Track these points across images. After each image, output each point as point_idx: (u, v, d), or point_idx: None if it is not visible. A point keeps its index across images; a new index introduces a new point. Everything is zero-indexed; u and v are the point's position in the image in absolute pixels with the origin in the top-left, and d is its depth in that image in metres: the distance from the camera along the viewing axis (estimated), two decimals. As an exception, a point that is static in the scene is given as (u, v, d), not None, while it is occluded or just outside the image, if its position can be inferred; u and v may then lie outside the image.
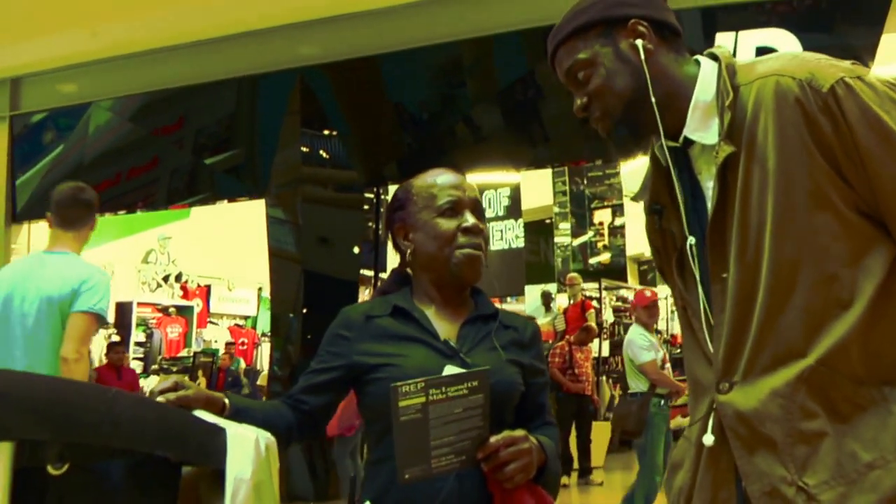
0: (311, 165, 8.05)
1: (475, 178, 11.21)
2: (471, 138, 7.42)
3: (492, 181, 12.15)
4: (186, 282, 16.50)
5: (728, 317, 1.80)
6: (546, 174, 13.34)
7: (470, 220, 2.26)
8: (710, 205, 1.84)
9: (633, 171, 13.36)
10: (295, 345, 7.76)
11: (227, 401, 2.07)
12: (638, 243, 14.29)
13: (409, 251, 2.32)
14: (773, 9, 6.33)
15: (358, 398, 2.28)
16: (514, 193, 13.10)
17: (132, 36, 8.19)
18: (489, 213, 12.15)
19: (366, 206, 8.46)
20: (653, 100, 1.86)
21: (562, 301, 13.58)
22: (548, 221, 14.50)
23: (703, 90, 1.88)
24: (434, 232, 2.26)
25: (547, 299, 13.69)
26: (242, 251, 12.75)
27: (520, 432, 2.03)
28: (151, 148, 8.81)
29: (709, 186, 1.86)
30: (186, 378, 2.19)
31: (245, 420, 2.02)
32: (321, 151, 8.09)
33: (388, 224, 2.40)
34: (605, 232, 14.19)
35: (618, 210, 14.05)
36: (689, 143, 1.90)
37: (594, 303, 13.32)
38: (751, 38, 6.30)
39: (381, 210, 8.40)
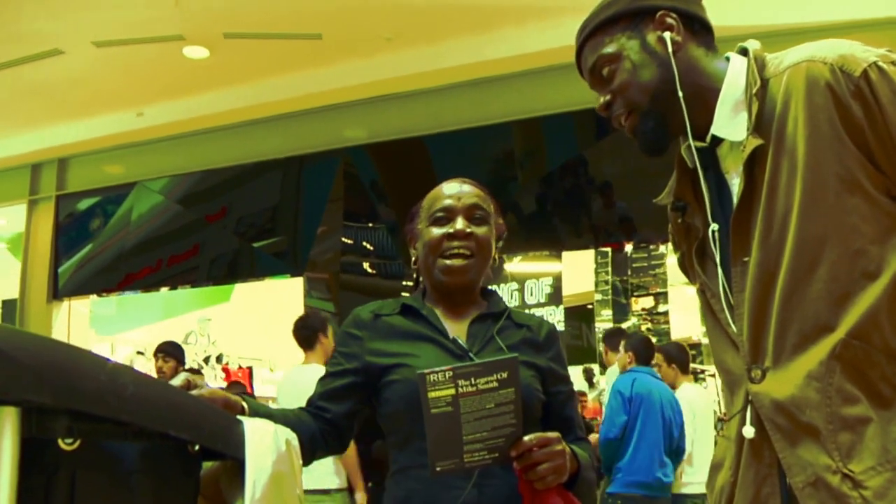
0: (351, 253, 8.02)
1: (516, 266, 11.24)
2: (515, 222, 7.38)
3: (535, 270, 12.15)
4: (227, 363, 16.46)
5: (749, 295, 1.74)
6: (588, 263, 13.35)
7: (457, 225, 2.24)
8: (735, 199, 1.78)
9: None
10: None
11: (244, 404, 2.04)
12: (684, 328, 14.20)
13: (413, 260, 2.37)
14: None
15: (375, 410, 2.25)
16: (555, 282, 13.09)
17: (177, 117, 8.29)
18: (531, 300, 12.11)
19: (405, 294, 8.41)
20: (680, 94, 1.81)
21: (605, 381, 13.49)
22: (589, 307, 14.47)
23: (731, 85, 1.83)
24: (425, 240, 2.28)
25: (590, 375, 13.64)
26: (283, 332, 12.74)
27: (554, 434, 1.99)
28: (194, 235, 8.84)
29: (735, 183, 1.81)
30: (201, 377, 2.13)
31: None
32: (362, 241, 8.06)
33: (403, 237, 2.43)
34: (648, 318, 14.10)
35: (661, 297, 13.96)
36: (716, 142, 1.85)
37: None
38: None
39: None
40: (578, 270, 13.05)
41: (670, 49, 1.83)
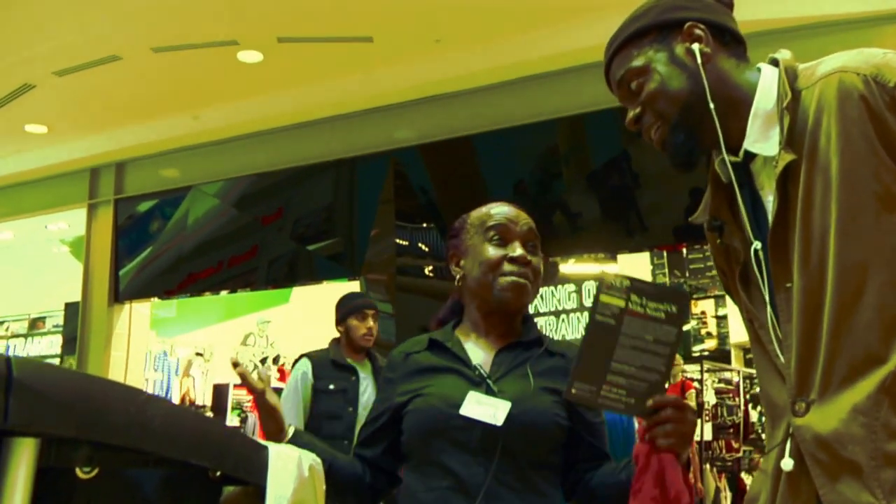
0: (406, 255, 8.05)
1: (572, 267, 11.19)
2: (566, 223, 7.35)
3: (591, 272, 12.07)
4: (283, 364, 16.57)
5: (796, 326, 1.65)
6: (645, 264, 13.26)
7: (518, 250, 2.23)
8: (770, 217, 1.70)
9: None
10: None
11: (290, 429, 2.16)
12: (742, 332, 14.06)
13: (458, 277, 2.33)
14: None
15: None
16: (613, 283, 13.06)
17: (232, 120, 8.39)
18: (588, 303, 12.02)
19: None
20: (711, 106, 1.74)
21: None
22: (647, 311, 14.40)
23: (763, 98, 1.76)
24: (481, 258, 2.25)
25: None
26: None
27: (689, 403, 1.89)
28: (251, 237, 8.93)
29: (769, 200, 1.73)
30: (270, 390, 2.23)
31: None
32: (416, 242, 8.09)
33: (445, 252, 2.42)
34: (709, 321, 13.97)
35: (720, 300, 13.82)
36: (750, 156, 1.78)
37: (695, 384, 13.04)
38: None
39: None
40: (636, 272, 12.90)
41: (699, 60, 1.77)
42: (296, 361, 5.68)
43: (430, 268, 8.01)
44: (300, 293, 12.32)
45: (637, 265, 12.12)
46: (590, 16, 6.37)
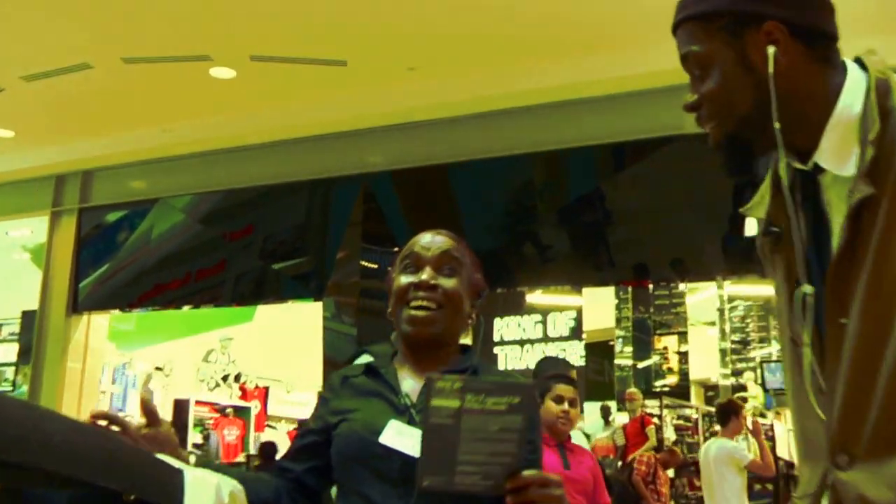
0: (372, 278, 8.01)
1: (539, 297, 11.24)
2: (536, 254, 7.39)
3: (557, 303, 12.13)
4: (245, 383, 16.48)
5: (846, 368, 1.48)
6: (610, 299, 13.35)
7: (424, 275, 2.19)
8: (835, 243, 1.51)
9: (699, 301, 13.35)
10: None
11: (191, 458, 2.04)
12: (702, 369, 14.15)
13: (388, 311, 2.31)
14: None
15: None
16: (577, 316, 13.11)
17: (202, 135, 8.35)
18: (553, 333, 12.10)
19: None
20: (776, 126, 1.54)
21: (622, 419, 13.40)
22: (610, 343, 14.44)
23: (844, 110, 1.54)
24: (393, 289, 2.25)
25: (606, 413, 13.52)
26: (304, 354, 12.81)
27: (556, 476, 1.87)
28: (217, 252, 8.88)
29: (837, 223, 1.53)
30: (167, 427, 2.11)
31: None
32: (383, 265, 8.06)
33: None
34: (671, 356, 14.05)
35: (682, 337, 13.91)
36: (819, 169, 1.58)
37: (654, 419, 13.10)
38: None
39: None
40: (600, 306, 13.04)
41: (771, 69, 1.55)
42: None
43: (406, 279, 7.99)
44: (264, 312, 12.26)
45: (603, 298, 12.17)
46: (570, 54, 6.44)
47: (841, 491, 1.47)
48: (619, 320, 14.08)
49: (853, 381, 1.46)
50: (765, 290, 16.88)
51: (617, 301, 13.77)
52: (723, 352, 14.42)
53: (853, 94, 1.54)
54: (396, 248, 7.81)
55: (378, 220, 8.02)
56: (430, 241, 2.27)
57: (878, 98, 1.50)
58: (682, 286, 12.99)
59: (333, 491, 2.28)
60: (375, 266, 8.01)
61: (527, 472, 1.81)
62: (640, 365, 14.24)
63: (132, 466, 1.56)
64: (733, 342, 14.65)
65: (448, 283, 2.20)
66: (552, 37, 6.38)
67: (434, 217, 7.67)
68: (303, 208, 8.53)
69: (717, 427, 8.73)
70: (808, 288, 1.56)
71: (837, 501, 1.48)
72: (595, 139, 7.00)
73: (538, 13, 6.11)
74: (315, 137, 8.15)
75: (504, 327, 12.24)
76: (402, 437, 2.04)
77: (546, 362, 4.86)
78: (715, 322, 14.43)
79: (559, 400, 4.66)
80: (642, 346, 14.10)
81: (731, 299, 14.46)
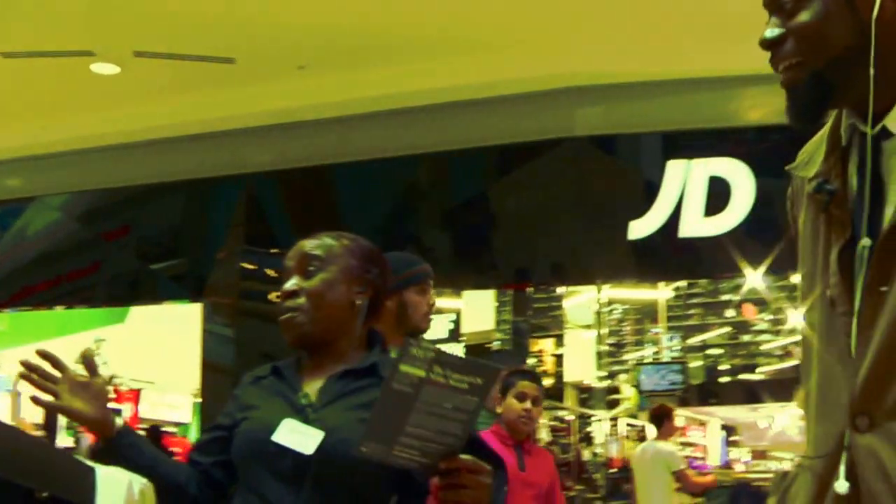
0: (252, 280, 7.96)
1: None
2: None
3: (437, 306, 12.23)
4: (118, 385, 16.15)
5: (880, 335, 1.49)
6: (489, 302, 13.49)
7: (286, 284, 2.26)
8: (890, 210, 1.52)
9: (576, 304, 13.61)
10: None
11: (119, 422, 2.08)
12: (577, 371, 14.38)
13: None
14: (727, 139, 6.53)
15: None
16: (457, 319, 13.23)
17: (82, 132, 8.18)
18: (429, 335, 12.18)
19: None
20: (871, 71, 1.48)
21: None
22: (488, 346, 14.58)
23: None
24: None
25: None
26: (179, 356, 12.61)
27: (488, 466, 1.89)
28: (92, 252, 8.70)
29: (894, 192, 1.53)
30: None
31: (133, 458, 2.05)
32: (263, 266, 8.00)
33: None
34: (546, 359, 14.26)
35: (559, 340, 14.15)
36: (886, 132, 1.56)
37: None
38: (704, 167, 6.48)
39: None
40: (479, 309, 13.14)
41: (875, 12, 1.49)
42: None
43: (275, 294, 7.93)
44: (137, 313, 12.07)
45: (483, 301, 12.28)
46: (457, 56, 6.49)
47: (857, 455, 1.49)
48: (498, 323, 14.25)
49: (885, 349, 1.49)
50: (642, 293, 17.30)
51: (497, 304, 13.93)
52: (599, 354, 14.70)
53: None
54: (278, 250, 7.84)
55: (260, 221, 7.98)
56: (294, 248, 2.32)
57: None
58: (560, 289, 13.21)
59: None
60: (256, 267, 7.96)
61: (463, 456, 1.83)
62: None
63: (45, 464, 1.60)
64: (609, 345, 14.92)
65: (310, 283, 2.24)
66: (440, 38, 6.45)
67: (316, 218, 7.68)
68: (181, 208, 8.43)
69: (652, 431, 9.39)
70: (866, 241, 1.54)
71: (852, 463, 1.50)
72: (481, 141, 7.09)
73: (427, 14, 6.19)
74: (199, 136, 8.05)
75: (381, 327, 12.26)
76: (294, 435, 2.06)
77: (500, 356, 4.29)
78: (592, 325, 14.74)
79: (522, 397, 4.43)
80: (520, 350, 14.31)
81: (609, 303, 14.72)
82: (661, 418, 8.54)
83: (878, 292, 1.50)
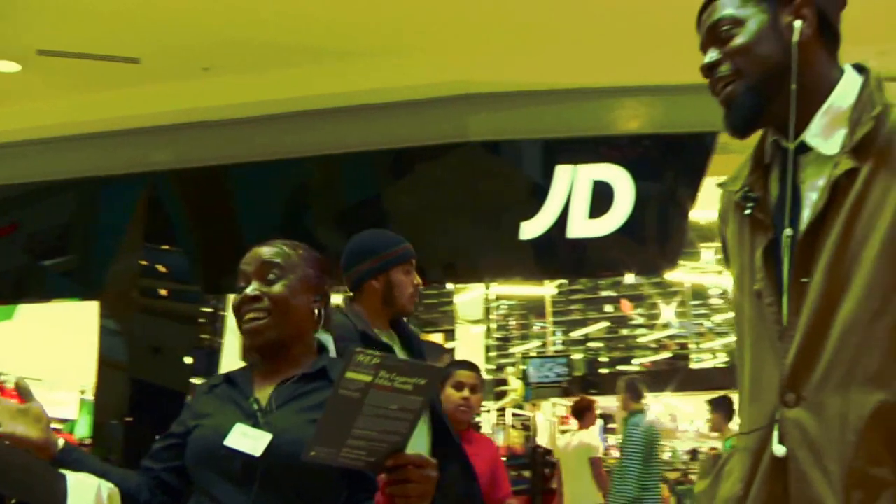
0: (150, 277, 8.00)
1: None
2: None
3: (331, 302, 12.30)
4: (4, 382, 15.84)
5: (805, 320, 1.71)
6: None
7: (247, 290, 2.31)
8: (806, 213, 1.76)
9: (468, 300, 13.91)
10: (117, 453, 7.57)
11: (60, 442, 2.13)
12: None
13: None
14: (609, 146, 6.80)
15: None
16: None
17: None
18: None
19: (202, 319, 8.53)
20: (793, 86, 1.76)
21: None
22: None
23: (839, 98, 1.79)
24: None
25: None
26: (66, 353, 12.50)
27: (433, 460, 1.96)
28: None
29: (811, 196, 1.77)
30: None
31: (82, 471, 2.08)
32: (160, 264, 8.06)
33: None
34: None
35: (449, 334, 14.34)
36: (802, 149, 1.81)
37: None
38: (589, 172, 6.72)
39: (218, 321, 8.45)
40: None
41: (796, 37, 1.78)
42: None
43: (170, 290, 8.01)
44: (27, 310, 11.90)
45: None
46: (357, 61, 6.62)
47: (785, 426, 1.71)
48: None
49: (809, 332, 1.71)
50: (527, 290, 17.57)
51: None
52: (487, 348, 14.93)
53: (847, 90, 1.81)
54: (177, 248, 7.89)
55: (160, 219, 7.98)
56: (251, 255, 2.37)
57: (875, 91, 1.77)
58: (449, 286, 13.41)
59: None
60: (152, 265, 8.02)
61: (409, 452, 1.91)
62: (406, 361, 14.62)
63: (16, 471, 1.66)
64: (497, 339, 15.17)
65: (273, 288, 2.30)
66: (340, 44, 6.54)
67: (215, 217, 7.78)
68: (74, 205, 8.33)
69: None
70: (789, 230, 1.79)
71: (782, 435, 1.71)
72: (377, 145, 7.23)
73: (328, 20, 6.26)
74: (100, 134, 7.95)
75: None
76: (245, 439, 2.12)
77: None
78: (481, 320, 15.03)
79: (459, 386, 4.46)
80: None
81: (497, 298, 14.97)
82: (583, 411, 8.97)
83: (801, 283, 1.74)
